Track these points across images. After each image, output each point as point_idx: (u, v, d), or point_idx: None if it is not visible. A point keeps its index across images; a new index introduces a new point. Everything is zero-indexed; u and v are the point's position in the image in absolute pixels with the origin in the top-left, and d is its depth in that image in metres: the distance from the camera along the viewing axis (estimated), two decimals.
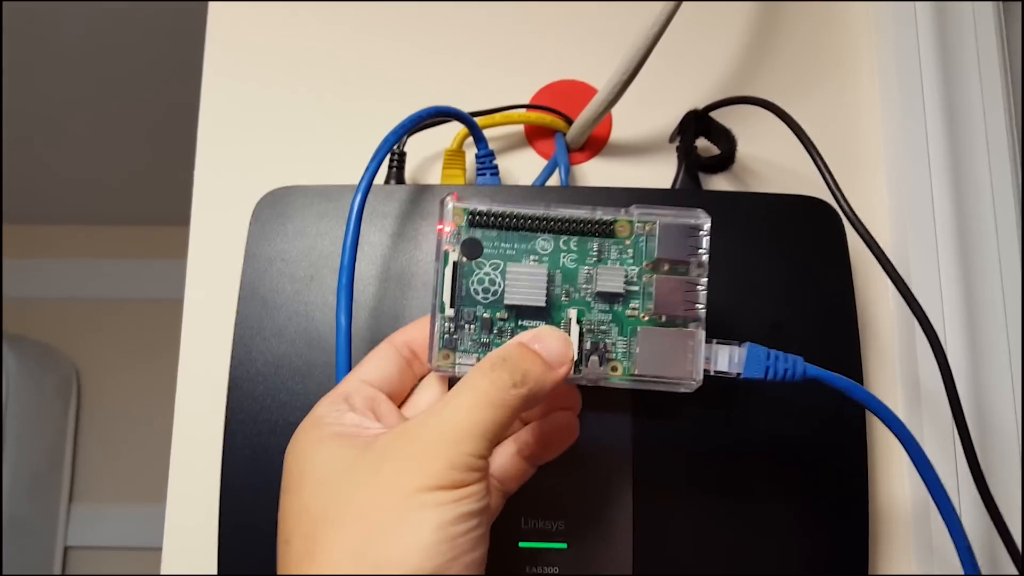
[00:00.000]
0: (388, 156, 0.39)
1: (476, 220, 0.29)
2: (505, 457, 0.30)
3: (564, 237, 0.29)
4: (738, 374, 0.28)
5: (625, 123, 0.42)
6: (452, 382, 0.28)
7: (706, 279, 0.28)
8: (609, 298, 0.29)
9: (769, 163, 0.42)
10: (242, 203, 0.38)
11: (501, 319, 0.29)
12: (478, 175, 0.39)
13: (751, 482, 0.35)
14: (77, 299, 1.43)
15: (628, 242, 0.29)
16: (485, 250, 0.29)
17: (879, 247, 0.33)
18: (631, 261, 0.29)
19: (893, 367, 0.40)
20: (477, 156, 0.39)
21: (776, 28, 0.44)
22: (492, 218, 0.29)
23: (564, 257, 0.29)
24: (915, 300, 0.33)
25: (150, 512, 1.30)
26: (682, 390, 0.28)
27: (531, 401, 0.26)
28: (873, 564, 0.38)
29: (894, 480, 0.38)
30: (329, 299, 0.36)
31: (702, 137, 0.40)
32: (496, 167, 0.39)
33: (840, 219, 0.38)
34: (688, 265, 0.28)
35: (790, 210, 0.38)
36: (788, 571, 0.34)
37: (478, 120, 0.39)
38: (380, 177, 0.39)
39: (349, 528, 0.24)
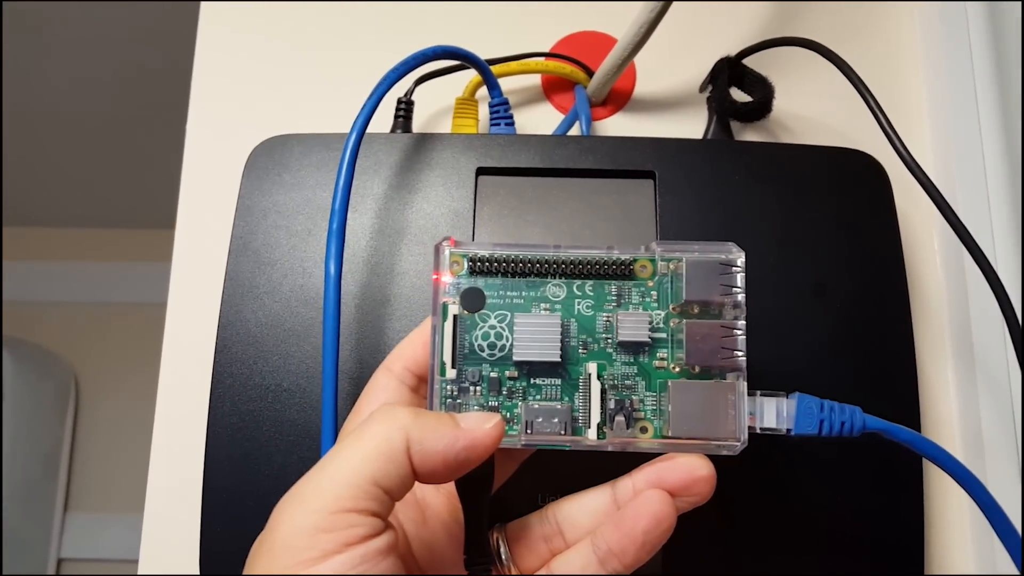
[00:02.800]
0: (396, 105, 0.36)
1: (477, 268, 0.25)
2: (578, 561, 0.25)
3: (578, 281, 0.26)
4: (788, 430, 0.25)
5: (651, 75, 0.39)
6: None
7: (743, 322, 0.25)
8: (633, 348, 0.25)
9: (806, 117, 0.39)
10: (236, 156, 0.35)
11: (511, 378, 0.25)
12: (492, 125, 0.36)
13: (796, 516, 0.31)
14: (77, 303, 1.41)
15: (651, 283, 0.26)
16: (489, 300, 0.26)
17: (936, 190, 0.30)
18: (655, 305, 0.26)
19: (943, 334, 0.36)
20: (491, 105, 0.36)
21: None
22: (495, 264, 0.25)
23: (579, 304, 0.26)
24: (972, 239, 0.30)
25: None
26: (725, 452, 0.25)
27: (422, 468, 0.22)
28: None
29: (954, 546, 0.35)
30: (322, 247, 0.33)
31: (735, 88, 0.37)
32: (511, 116, 0.36)
33: (886, 175, 0.35)
34: (722, 307, 0.25)
35: (832, 164, 0.35)
36: None
37: (492, 68, 0.36)
38: (387, 126, 0.36)
39: None
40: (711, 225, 0.34)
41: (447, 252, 0.25)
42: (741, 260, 0.25)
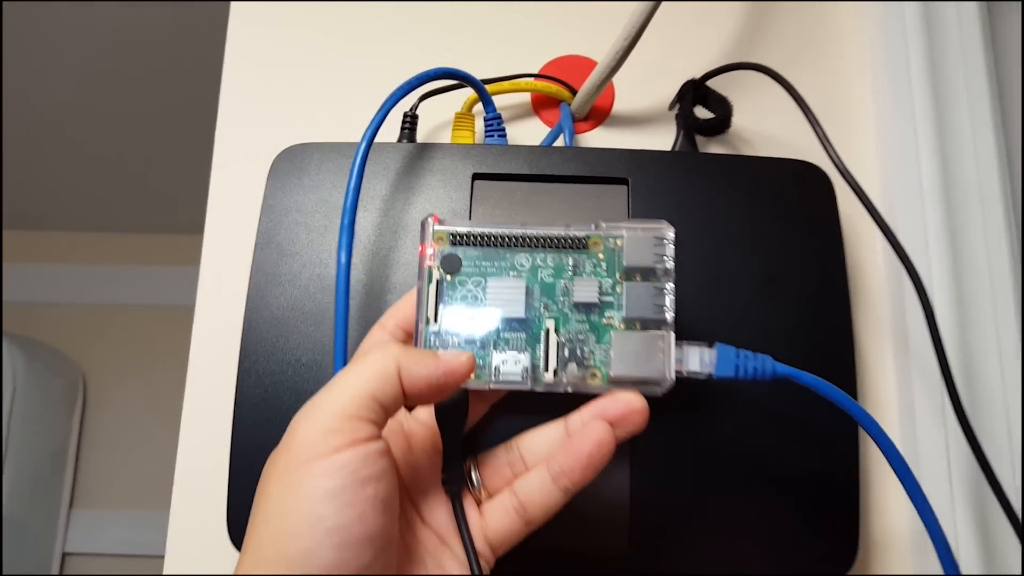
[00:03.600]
0: (402, 118, 0.41)
1: (457, 240, 0.30)
2: (536, 482, 0.30)
3: (541, 253, 0.31)
4: (709, 374, 0.30)
5: (627, 94, 0.44)
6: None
7: (672, 284, 0.30)
8: (585, 308, 0.30)
9: (763, 132, 0.44)
10: (261, 159, 0.40)
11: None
12: (486, 136, 0.41)
13: (743, 466, 0.36)
14: (85, 304, 1.45)
15: (601, 256, 0.30)
16: (467, 267, 0.30)
17: (867, 198, 0.35)
18: (604, 273, 0.30)
19: (883, 324, 0.41)
20: (485, 119, 0.41)
21: (767, 2, 0.46)
22: (472, 238, 0.31)
23: (542, 272, 0.31)
24: (902, 248, 0.35)
25: (150, 519, 1.30)
26: (658, 392, 0.29)
27: (409, 388, 0.27)
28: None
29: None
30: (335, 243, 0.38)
31: (700, 106, 0.42)
32: (504, 130, 0.41)
33: (830, 182, 0.39)
34: (655, 272, 0.30)
35: (783, 173, 0.40)
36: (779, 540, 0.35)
37: (488, 86, 0.41)
38: (394, 136, 0.41)
39: (263, 514, 0.25)
40: (676, 226, 0.38)
41: (432, 228, 0.30)
42: (671, 234, 0.30)
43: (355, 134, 0.43)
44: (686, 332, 0.35)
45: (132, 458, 1.35)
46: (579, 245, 0.31)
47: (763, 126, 0.44)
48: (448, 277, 0.30)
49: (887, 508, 0.39)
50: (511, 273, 0.30)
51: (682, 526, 0.35)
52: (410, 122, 0.41)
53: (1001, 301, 0.39)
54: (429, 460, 0.31)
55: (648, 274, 0.30)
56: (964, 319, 0.38)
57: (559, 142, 0.42)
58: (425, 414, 0.32)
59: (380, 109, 0.36)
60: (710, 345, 0.30)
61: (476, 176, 0.39)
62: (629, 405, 0.29)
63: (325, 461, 0.25)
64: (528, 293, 0.30)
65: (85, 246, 1.49)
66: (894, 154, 0.42)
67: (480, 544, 0.29)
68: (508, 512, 0.29)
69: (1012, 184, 0.41)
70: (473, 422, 0.32)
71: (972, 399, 0.37)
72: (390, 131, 0.40)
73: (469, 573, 0.29)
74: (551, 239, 0.31)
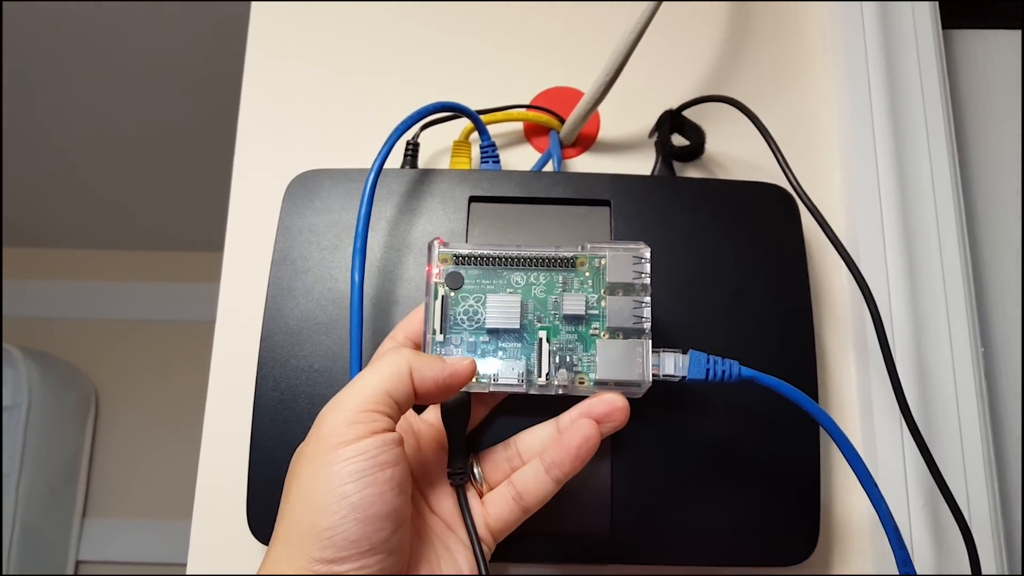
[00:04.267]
0: (405, 146, 0.45)
1: (460, 260, 0.35)
2: (531, 473, 0.33)
3: (534, 272, 0.35)
4: (682, 377, 0.33)
5: (611, 123, 0.48)
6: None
7: (648, 298, 0.34)
8: (574, 320, 0.34)
9: (736, 158, 0.48)
10: (276, 184, 0.44)
11: (484, 342, 0.34)
12: (482, 163, 0.45)
13: (713, 460, 0.39)
14: (98, 320, 1.49)
15: (588, 274, 0.35)
16: (468, 285, 0.34)
17: (821, 214, 0.39)
18: (590, 289, 0.34)
19: (847, 331, 0.45)
20: (481, 146, 0.45)
21: (742, 37, 0.50)
22: (473, 258, 0.35)
23: (535, 288, 0.35)
24: (853, 263, 0.38)
25: (162, 528, 1.34)
26: (637, 393, 0.34)
27: (420, 388, 0.31)
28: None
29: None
30: (350, 264, 0.42)
31: (676, 134, 0.46)
32: (497, 156, 0.45)
33: (795, 202, 0.43)
34: (634, 287, 0.34)
35: (751, 194, 0.44)
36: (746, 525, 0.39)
37: (483, 117, 0.45)
38: (397, 163, 0.45)
39: (296, 493, 0.29)
40: (654, 243, 0.42)
41: (438, 250, 0.34)
42: (647, 254, 0.34)
43: (362, 159, 0.47)
44: (663, 339, 0.39)
45: (143, 469, 1.39)
46: (568, 264, 0.35)
47: (736, 152, 0.48)
48: (452, 293, 0.34)
49: (847, 501, 0.42)
50: (508, 290, 0.34)
51: (657, 511, 0.38)
52: (412, 150, 0.45)
53: (953, 308, 0.43)
54: (436, 456, 0.35)
55: (628, 289, 0.34)
56: (919, 326, 0.42)
57: (548, 167, 0.46)
58: (432, 416, 0.36)
59: (388, 140, 0.40)
60: (684, 351, 0.34)
61: (472, 199, 0.43)
62: (612, 404, 0.33)
63: (348, 447, 0.29)
64: (523, 307, 0.34)
65: (98, 263, 1.53)
66: (855, 175, 0.45)
67: (482, 531, 0.33)
68: (507, 501, 0.33)
69: (963, 202, 0.45)
70: (475, 423, 0.36)
71: (925, 402, 0.41)
72: (394, 158, 0.44)
73: (473, 556, 0.32)
74: (543, 259, 0.35)
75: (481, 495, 0.34)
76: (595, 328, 0.34)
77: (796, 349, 0.41)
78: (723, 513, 0.38)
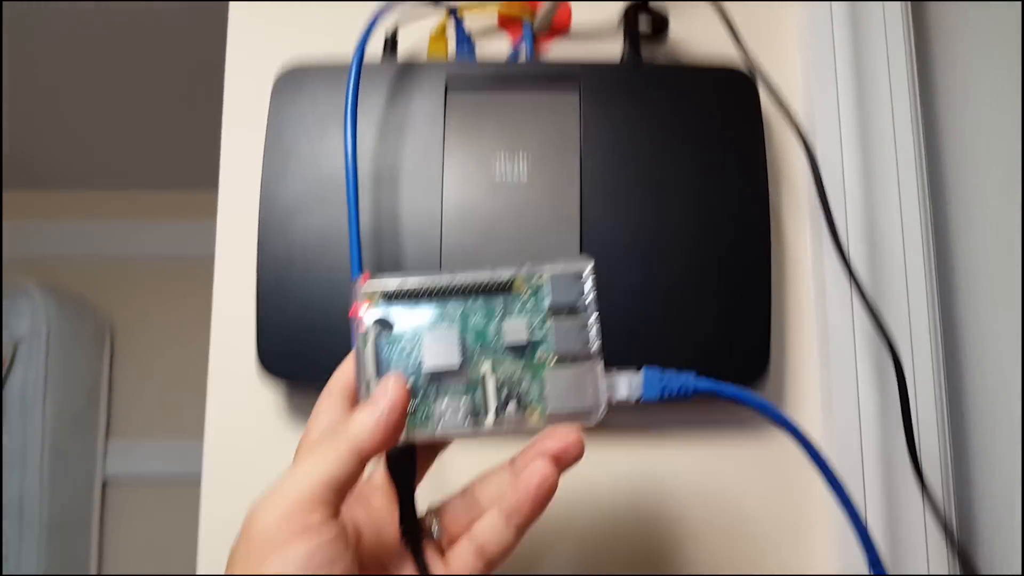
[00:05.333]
0: (384, 40, 0.47)
1: (389, 297, 0.31)
2: (490, 523, 0.31)
3: (471, 299, 0.31)
4: (637, 400, 0.31)
5: (582, 13, 0.50)
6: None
7: (596, 315, 0.31)
8: (518, 349, 0.31)
9: (703, 53, 0.50)
10: (268, 75, 0.46)
11: (423, 384, 0.31)
12: (458, 54, 0.47)
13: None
14: (111, 258, 1.53)
15: (526, 296, 0.31)
16: (402, 323, 0.31)
17: (779, 95, 0.41)
18: (532, 312, 0.31)
19: (804, 214, 0.48)
20: (457, 37, 0.47)
21: None
22: (403, 294, 0.31)
23: (473, 318, 0.31)
24: (804, 136, 0.41)
25: (180, 445, 1.41)
26: (591, 422, 0.30)
27: (367, 454, 0.29)
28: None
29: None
30: (335, 144, 0.44)
31: (643, 16, 0.48)
32: (473, 46, 0.47)
33: (754, 83, 0.46)
34: (577, 308, 0.31)
35: (712, 78, 0.46)
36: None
37: (458, 5, 0.47)
38: (378, 57, 0.47)
39: None
40: (618, 122, 0.45)
41: (362, 289, 0.31)
42: (589, 269, 0.31)
43: (345, 47, 0.48)
44: (623, 232, 0.41)
45: (160, 392, 1.45)
46: (506, 287, 0.31)
47: (702, 48, 0.50)
48: (383, 336, 0.31)
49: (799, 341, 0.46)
50: (444, 322, 0.31)
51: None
52: (392, 42, 0.47)
53: (905, 187, 0.46)
54: (390, 518, 0.32)
55: (572, 309, 0.31)
56: (871, 203, 0.45)
57: (523, 58, 0.49)
58: (380, 476, 0.34)
59: (366, 27, 0.42)
60: (637, 369, 0.31)
61: (449, 88, 0.45)
62: (566, 439, 0.30)
63: (280, 554, 0.26)
64: (462, 341, 0.31)
65: (110, 203, 1.56)
66: (813, 57, 0.48)
67: None
68: (470, 555, 0.31)
69: (917, 83, 0.47)
70: (423, 473, 0.34)
71: (874, 268, 0.44)
72: (376, 53, 0.46)
73: None
74: (479, 285, 0.31)
75: (443, 552, 0.32)
76: (541, 355, 0.31)
77: (751, 224, 0.44)
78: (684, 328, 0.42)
